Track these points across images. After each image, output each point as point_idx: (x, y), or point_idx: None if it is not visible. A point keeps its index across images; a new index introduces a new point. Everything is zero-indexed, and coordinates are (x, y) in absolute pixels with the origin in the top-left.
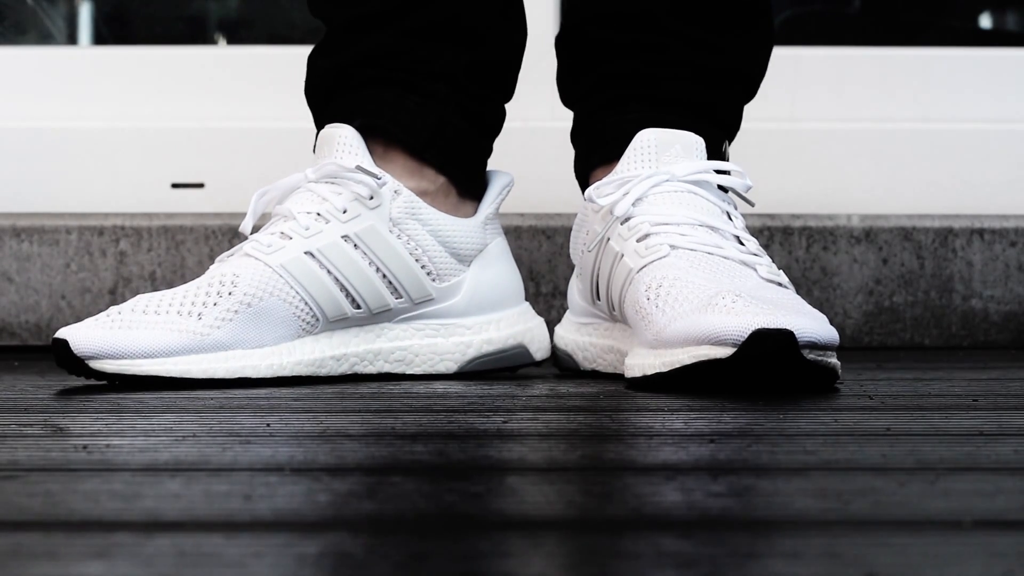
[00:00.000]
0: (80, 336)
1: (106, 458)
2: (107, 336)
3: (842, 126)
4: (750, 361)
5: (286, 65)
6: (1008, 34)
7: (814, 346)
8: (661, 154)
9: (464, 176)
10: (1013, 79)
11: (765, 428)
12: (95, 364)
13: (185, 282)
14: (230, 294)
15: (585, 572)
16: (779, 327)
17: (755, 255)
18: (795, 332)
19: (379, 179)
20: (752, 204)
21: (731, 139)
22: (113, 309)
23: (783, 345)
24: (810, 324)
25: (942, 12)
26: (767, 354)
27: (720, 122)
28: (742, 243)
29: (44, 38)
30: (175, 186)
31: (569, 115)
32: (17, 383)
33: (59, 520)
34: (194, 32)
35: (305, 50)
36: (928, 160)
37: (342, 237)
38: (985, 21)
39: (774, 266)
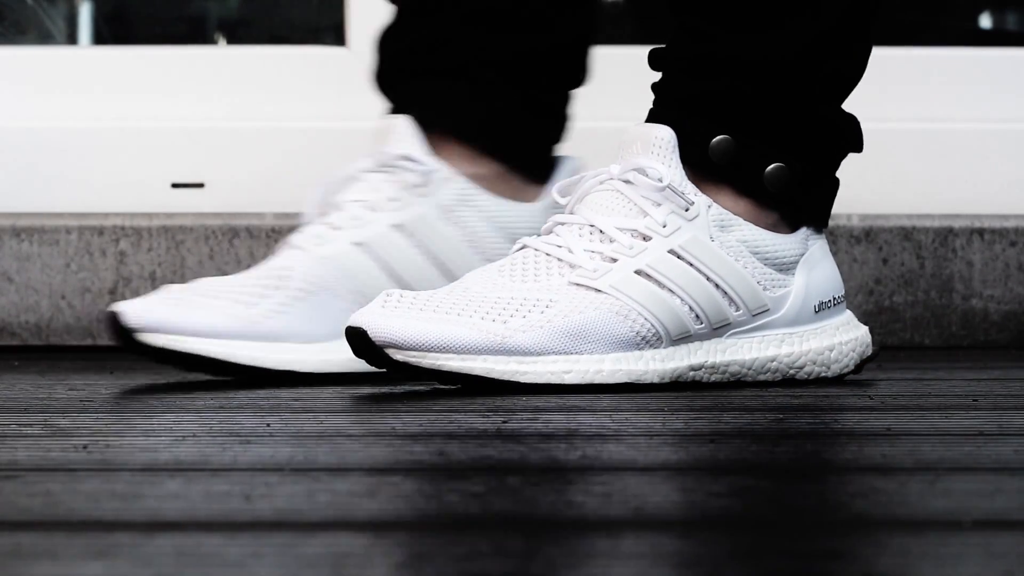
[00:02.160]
0: (133, 308)
1: (106, 458)
2: (159, 310)
3: None
4: (361, 356)
5: (286, 65)
6: (1008, 34)
7: (398, 347)
8: (624, 152)
9: (524, 162)
10: (1013, 79)
11: (765, 428)
12: (143, 337)
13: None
14: (283, 287)
15: (585, 572)
16: (356, 325)
17: (597, 254)
18: (370, 331)
19: (426, 166)
20: (690, 203)
21: (746, 131)
22: (173, 287)
23: (358, 343)
24: (406, 326)
25: (942, 12)
26: (357, 351)
27: (710, 114)
28: (613, 240)
29: (44, 38)
30: (175, 186)
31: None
32: (17, 383)
33: (59, 520)
34: (194, 32)
35: (305, 50)
36: (928, 160)
37: (392, 226)
38: (985, 21)
39: (615, 271)
